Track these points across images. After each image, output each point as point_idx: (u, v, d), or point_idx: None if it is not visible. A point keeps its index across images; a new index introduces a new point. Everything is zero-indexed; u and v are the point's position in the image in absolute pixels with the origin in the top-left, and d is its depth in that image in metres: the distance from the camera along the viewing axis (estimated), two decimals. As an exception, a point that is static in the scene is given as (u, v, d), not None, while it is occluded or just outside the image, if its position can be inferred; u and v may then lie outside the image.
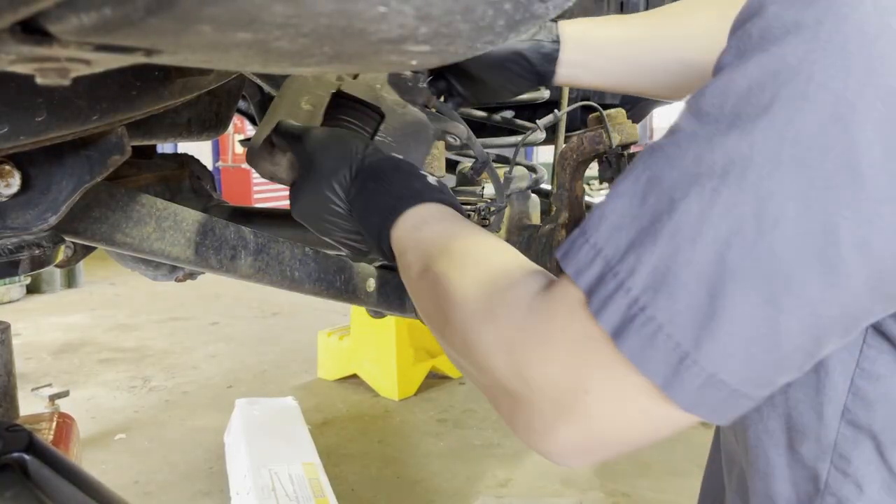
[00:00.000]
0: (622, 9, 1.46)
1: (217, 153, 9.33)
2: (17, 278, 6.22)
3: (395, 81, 0.95)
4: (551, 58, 0.94)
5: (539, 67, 0.94)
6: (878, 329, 0.56)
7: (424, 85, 0.96)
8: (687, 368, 0.45)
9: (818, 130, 0.45)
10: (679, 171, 0.48)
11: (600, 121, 1.16)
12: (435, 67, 0.91)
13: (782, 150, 0.45)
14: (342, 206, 0.80)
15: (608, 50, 0.95)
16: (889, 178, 0.44)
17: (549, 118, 1.26)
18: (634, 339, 0.46)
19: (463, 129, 0.99)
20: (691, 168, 0.47)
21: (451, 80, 0.99)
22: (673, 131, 0.51)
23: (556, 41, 0.94)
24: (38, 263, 0.80)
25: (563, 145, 1.24)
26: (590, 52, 0.95)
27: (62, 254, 0.83)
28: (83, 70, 0.35)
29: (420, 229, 0.72)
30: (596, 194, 4.20)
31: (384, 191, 0.77)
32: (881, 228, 0.44)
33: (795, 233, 0.44)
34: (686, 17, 0.92)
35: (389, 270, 1.24)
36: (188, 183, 1.57)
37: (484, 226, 1.21)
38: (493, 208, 1.22)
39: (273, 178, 0.90)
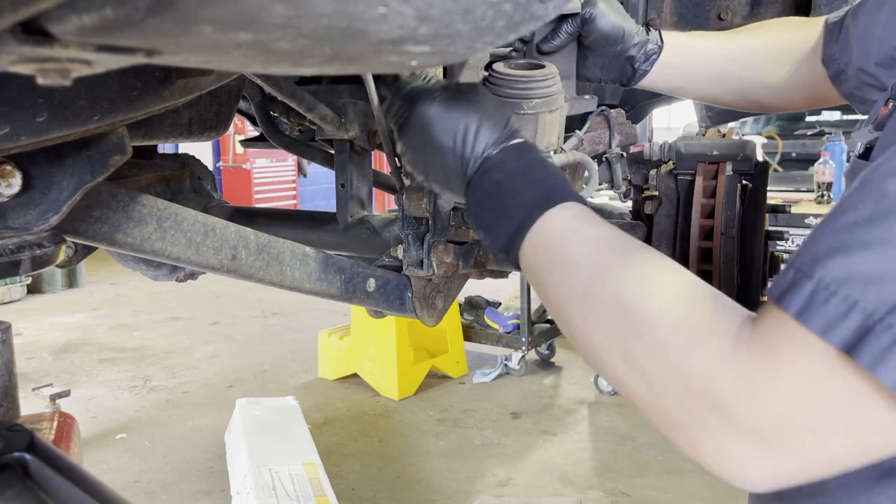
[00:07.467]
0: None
1: (218, 153, 9.32)
2: (18, 278, 6.23)
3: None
4: (650, 59, 1.05)
5: (637, 65, 1.05)
6: None
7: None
8: None
9: None
10: None
11: (605, 121, 1.15)
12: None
13: None
14: (461, 168, 0.73)
15: (705, 61, 1.05)
16: None
17: (572, 141, 1.13)
18: None
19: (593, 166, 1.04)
20: None
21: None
22: None
23: (660, 45, 1.04)
24: (40, 263, 0.80)
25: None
26: (688, 60, 1.06)
27: (63, 254, 0.83)
28: (84, 70, 0.35)
29: (568, 239, 0.66)
30: (595, 194, 4.18)
31: (516, 189, 0.70)
32: None
33: None
34: (765, 36, 1.04)
35: (390, 270, 1.24)
36: (189, 183, 1.57)
37: None
38: None
39: None
